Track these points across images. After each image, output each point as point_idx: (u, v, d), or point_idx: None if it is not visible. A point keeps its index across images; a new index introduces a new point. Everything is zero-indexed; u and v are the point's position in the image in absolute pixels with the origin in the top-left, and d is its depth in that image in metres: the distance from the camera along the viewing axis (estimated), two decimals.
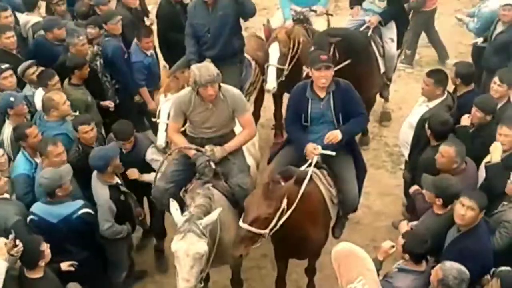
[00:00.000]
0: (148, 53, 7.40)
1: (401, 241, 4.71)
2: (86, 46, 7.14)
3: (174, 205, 4.97)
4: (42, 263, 4.89)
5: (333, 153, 5.47)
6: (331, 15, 7.97)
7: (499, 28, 7.45)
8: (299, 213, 5.10)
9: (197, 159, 5.38)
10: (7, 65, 6.47)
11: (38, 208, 5.38)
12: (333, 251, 4.39)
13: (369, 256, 4.38)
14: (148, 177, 5.96)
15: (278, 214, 4.95)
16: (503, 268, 4.45)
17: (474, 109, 5.80)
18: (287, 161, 5.65)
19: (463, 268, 4.22)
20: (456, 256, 4.54)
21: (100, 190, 5.62)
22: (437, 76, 6.20)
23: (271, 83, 6.88)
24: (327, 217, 5.68)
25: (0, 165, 5.67)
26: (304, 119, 5.60)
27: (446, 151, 5.28)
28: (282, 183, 4.98)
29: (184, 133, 5.69)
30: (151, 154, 6.07)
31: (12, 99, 6.11)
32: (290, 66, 7.03)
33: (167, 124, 6.18)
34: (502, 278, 4.26)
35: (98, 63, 7.31)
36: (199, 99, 5.29)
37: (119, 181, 5.84)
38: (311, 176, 5.36)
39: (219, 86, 5.27)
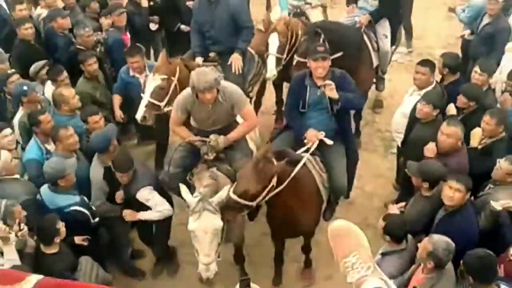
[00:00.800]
0: (131, 73, 6.92)
1: (382, 223, 4.82)
2: (92, 38, 7.25)
3: (184, 189, 5.05)
4: (57, 240, 5.05)
5: (331, 142, 5.58)
6: (325, 7, 7.99)
7: (485, 20, 7.54)
8: (293, 195, 5.17)
9: (201, 147, 5.53)
10: (13, 70, 6.51)
11: (44, 191, 5.49)
12: (330, 228, 4.37)
13: (363, 233, 4.48)
14: (147, 215, 5.72)
15: (266, 191, 4.98)
16: None
17: (459, 96, 5.91)
18: (285, 145, 5.70)
19: (449, 240, 4.31)
20: (445, 233, 4.58)
21: (96, 170, 5.69)
22: (430, 65, 6.30)
23: (271, 71, 6.94)
24: (319, 200, 5.73)
25: (8, 144, 5.74)
26: (302, 105, 5.69)
27: (454, 130, 5.28)
28: (275, 163, 4.97)
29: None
30: (145, 195, 5.64)
31: (25, 87, 6.26)
32: (288, 56, 7.05)
33: (148, 101, 6.24)
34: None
35: (98, 50, 7.46)
36: (198, 100, 5.35)
37: None
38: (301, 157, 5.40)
39: (217, 90, 5.29)
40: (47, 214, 5.22)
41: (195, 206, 4.88)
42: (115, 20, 7.60)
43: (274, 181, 5.00)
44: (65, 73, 6.63)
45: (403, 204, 5.48)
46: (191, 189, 5.48)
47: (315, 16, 7.61)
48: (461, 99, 5.90)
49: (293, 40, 7.03)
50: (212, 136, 5.47)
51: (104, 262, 5.78)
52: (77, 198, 5.45)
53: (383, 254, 4.85)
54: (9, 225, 5.00)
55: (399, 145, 6.63)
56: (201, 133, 5.64)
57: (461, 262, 4.36)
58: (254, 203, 5.01)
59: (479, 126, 5.65)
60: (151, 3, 8.49)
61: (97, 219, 5.60)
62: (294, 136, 5.80)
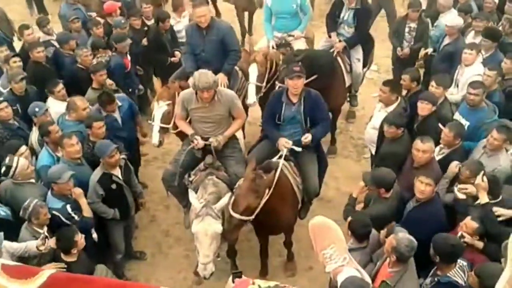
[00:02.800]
0: (104, 113, 6.39)
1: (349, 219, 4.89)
2: (89, 57, 7.25)
3: (192, 194, 5.11)
4: (74, 251, 5.00)
5: (300, 149, 5.67)
6: (308, 38, 7.97)
7: (446, 40, 7.63)
8: (273, 198, 5.21)
9: (206, 157, 5.68)
10: (1, 99, 6.43)
11: (49, 193, 5.44)
12: (310, 223, 4.42)
13: (339, 228, 4.52)
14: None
15: (263, 202, 5.08)
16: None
17: (420, 103, 5.95)
18: (263, 153, 5.83)
19: (412, 237, 4.33)
20: (416, 222, 4.74)
21: (95, 172, 5.64)
22: (392, 85, 6.35)
23: (251, 98, 6.88)
24: (295, 200, 5.81)
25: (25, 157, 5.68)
26: (278, 119, 5.76)
27: (429, 146, 5.30)
28: (264, 176, 5.05)
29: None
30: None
31: (37, 109, 6.21)
32: (268, 84, 7.03)
33: (160, 127, 6.34)
34: (479, 273, 4.24)
35: None
36: (197, 98, 5.48)
37: (118, 174, 5.72)
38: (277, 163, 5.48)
39: (215, 91, 5.42)
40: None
41: (200, 211, 4.94)
42: (120, 47, 7.57)
43: (267, 192, 5.10)
44: (60, 85, 6.63)
45: (361, 205, 5.53)
46: (186, 192, 5.53)
47: (299, 46, 7.56)
48: (424, 106, 5.94)
49: (272, 70, 7.01)
50: (212, 138, 5.59)
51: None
52: (59, 205, 5.32)
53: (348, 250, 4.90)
54: (34, 223, 5.05)
55: (373, 154, 6.67)
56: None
57: (432, 244, 4.44)
58: (253, 216, 5.07)
59: (433, 131, 5.70)
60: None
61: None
62: (269, 144, 5.87)
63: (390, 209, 5.14)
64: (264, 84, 7.01)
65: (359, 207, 5.58)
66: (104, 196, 5.65)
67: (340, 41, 7.51)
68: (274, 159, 5.59)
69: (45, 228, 5.15)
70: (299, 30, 7.69)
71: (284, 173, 5.55)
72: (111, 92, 6.62)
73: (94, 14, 8.78)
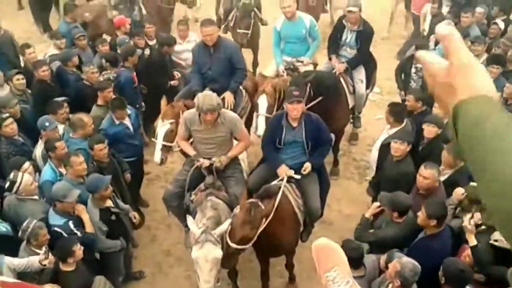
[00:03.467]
0: (117, 122, 6.58)
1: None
2: (96, 74, 7.29)
3: (190, 220, 5.06)
4: (71, 260, 4.97)
5: (299, 177, 5.65)
6: (317, 64, 8.00)
7: None
8: (273, 222, 5.18)
9: (207, 177, 5.62)
10: (7, 114, 6.42)
11: (50, 209, 5.42)
12: (314, 244, 4.35)
13: (343, 251, 4.45)
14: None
15: (260, 230, 5.05)
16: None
17: (427, 126, 5.98)
18: (262, 177, 5.82)
19: (416, 263, 4.28)
20: (421, 252, 4.65)
21: (91, 213, 5.52)
22: (394, 109, 6.40)
23: (261, 130, 6.81)
24: (297, 223, 5.76)
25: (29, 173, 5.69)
26: (278, 143, 5.74)
27: (430, 173, 5.22)
28: (262, 206, 5.03)
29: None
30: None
31: (47, 123, 6.23)
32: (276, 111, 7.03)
33: (162, 145, 6.34)
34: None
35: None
36: (200, 119, 5.47)
37: (111, 204, 5.69)
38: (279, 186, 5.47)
39: (218, 114, 5.41)
40: (49, 230, 5.21)
41: (199, 237, 4.88)
42: (130, 61, 7.59)
43: (263, 221, 5.08)
44: (64, 108, 6.62)
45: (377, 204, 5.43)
46: (188, 211, 5.62)
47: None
48: (430, 129, 5.96)
49: (281, 99, 6.97)
50: (214, 158, 5.58)
51: None
52: (62, 221, 5.32)
53: None
54: (32, 243, 5.02)
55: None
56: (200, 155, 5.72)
57: (441, 267, 4.40)
58: (250, 244, 5.08)
59: (437, 153, 5.71)
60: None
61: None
62: (269, 168, 5.85)
63: (400, 235, 5.05)
64: (273, 114, 6.99)
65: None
66: (107, 230, 5.62)
67: (342, 62, 7.53)
68: (275, 182, 5.56)
69: (44, 248, 5.09)
70: (307, 57, 7.70)
71: (285, 195, 5.51)
72: (122, 98, 6.67)
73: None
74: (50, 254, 4.92)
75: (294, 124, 5.67)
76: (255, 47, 9.79)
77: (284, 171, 5.61)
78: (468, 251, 4.78)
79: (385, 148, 6.16)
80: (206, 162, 5.58)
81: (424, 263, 4.38)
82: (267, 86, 6.96)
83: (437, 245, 4.80)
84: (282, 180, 5.56)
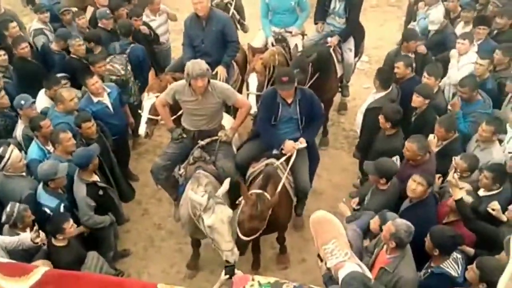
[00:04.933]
0: (95, 99, 6.37)
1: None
2: (82, 47, 7.09)
3: (192, 193, 4.97)
4: (60, 237, 4.97)
5: (305, 144, 5.58)
6: (305, 34, 7.87)
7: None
8: None
9: (195, 151, 5.60)
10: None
11: (39, 187, 5.39)
12: (311, 217, 4.39)
13: (340, 223, 4.47)
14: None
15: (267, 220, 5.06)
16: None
17: (414, 96, 5.94)
18: (252, 152, 5.79)
19: (409, 223, 4.34)
20: (409, 219, 4.56)
21: (78, 188, 5.45)
22: (382, 75, 6.36)
23: (253, 108, 6.66)
24: (289, 200, 5.75)
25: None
26: (274, 119, 5.63)
27: (410, 146, 5.29)
28: (268, 197, 5.04)
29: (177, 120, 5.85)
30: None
31: (22, 102, 6.05)
32: (267, 87, 6.94)
33: (147, 118, 6.29)
34: (481, 267, 4.18)
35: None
36: (190, 90, 5.36)
37: (98, 179, 5.61)
38: (276, 167, 5.46)
39: (208, 81, 5.31)
40: (38, 208, 5.21)
41: (207, 204, 4.83)
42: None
43: (270, 211, 5.06)
44: (61, 84, 6.50)
45: (356, 200, 5.60)
46: (178, 183, 5.70)
47: (295, 42, 7.48)
48: (416, 99, 5.93)
49: (270, 73, 6.93)
50: (221, 133, 5.61)
51: None
52: (54, 203, 5.29)
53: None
54: (18, 227, 4.97)
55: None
56: (190, 134, 5.67)
57: (429, 238, 4.43)
58: (258, 234, 5.07)
59: (431, 123, 5.71)
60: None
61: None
62: (262, 144, 5.78)
63: (390, 200, 5.12)
64: (264, 91, 6.90)
65: (353, 203, 5.56)
66: (95, 205, 5.54)
67: (331, 32, 7.44)
68: (266, 161, 5.54)
69: (28, 230, 5.01)
70: (296, 27, 7.58)
71: (278, 174, 5.46)
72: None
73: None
74: (41, 231, 4.88)
75: (289, 100, 5.56)
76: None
77: (291, 145, 5.53)
78: (449, 201, 4.85)
79: (370, 112, 6.17)
80: (170, 124, 5.66)
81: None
82: (257, 63, 6.87)
83: (422, 215, 4.83)
84: (277, 158, 5.52)
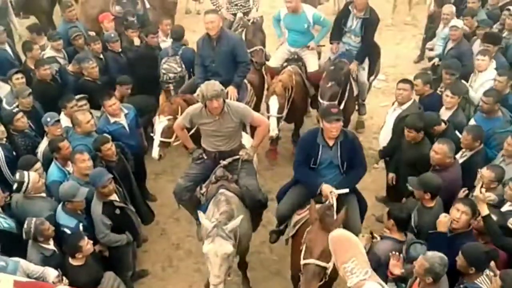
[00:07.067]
0: (112, 120, 6.44)
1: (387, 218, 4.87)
2: (96, 69, 7.15)
3: (201, 215, 4.92)
4: (79, 256, 4.93)
5: (347, 190, 5.04)
6: (323, 45, 7.88)
7: (450, 45, 7.67)
8: None
9: (217, 170, 5.53)
10: (17, 109, 6.35)
11: (58, 208, 5.36)
12: (330, 236, 4.23)
13: (360, 242, 4.33)
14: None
15: None
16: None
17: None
18: (295, 202, 5.37)
19: (441, 254, 4.13)
20: (449, 254, 4.35)
21: (95, 206, 5.39)
22: (410, 82, 6.44)
23: (273, 130, 6.68)
24: None
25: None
26: (313, 163, 5.19)
27: (440, 148, 5.26)
28: (335, 215, 4.66)
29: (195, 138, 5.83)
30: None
31: (48, 119, 6.13)
32: (287, 109, 7.03)
33: (159, 141, 6.28)
34: (504, 278, 4.05)
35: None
36: (207, 111, 5.31)
37: (116, 198, 5.54)
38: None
39: (224, 101, 5.27)
40: (57, 228, 5.17)
41: (211, 231, 4.74)
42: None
43: None
44: (74, 101, 6.53)
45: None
46: (200, 203, 5.58)
47: (311, 61, 7.53)
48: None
49: (289, 95, 6.94)
50: (241, 152, 5.54)
51: None
52: (73, 223, 5.26)
53: (382, 238, 4.95)
54: (39, 240, 4.96)
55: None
56: (211, 155, 5.61)
57: (463, 256, 4.28)
58: (330, 263, 4.43)
59: (453, 141, 5.58)
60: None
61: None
62: (305, 191, 5.26)
63: (435, 222, 4.82)
64: (284, 113, 7.04)
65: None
66: (112, 224, 5.48)
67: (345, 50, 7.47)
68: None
69: (52, 242, 5.05)
70: (315, 42, 7.62)
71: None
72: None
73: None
74: (64, 278, 4.80)
75: (331, 143, 5.11)
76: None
77: (329, 189, 4.96)
78: (474, 224, 4.72)
79: (399, 121, 6.18)
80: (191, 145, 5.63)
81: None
82: (277, 86, 6.87)
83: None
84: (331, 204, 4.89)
